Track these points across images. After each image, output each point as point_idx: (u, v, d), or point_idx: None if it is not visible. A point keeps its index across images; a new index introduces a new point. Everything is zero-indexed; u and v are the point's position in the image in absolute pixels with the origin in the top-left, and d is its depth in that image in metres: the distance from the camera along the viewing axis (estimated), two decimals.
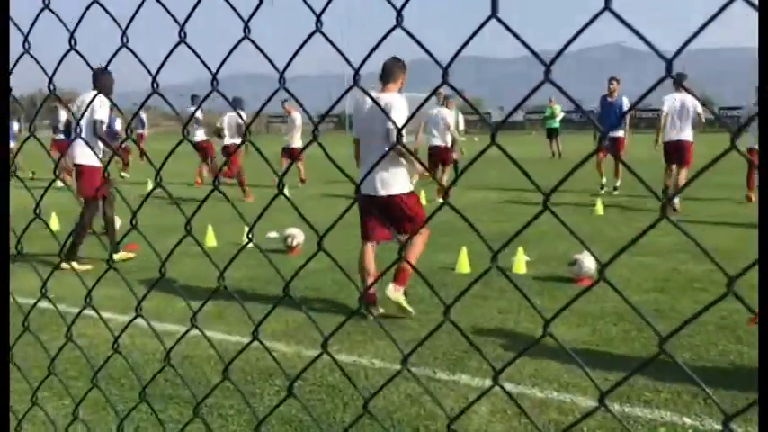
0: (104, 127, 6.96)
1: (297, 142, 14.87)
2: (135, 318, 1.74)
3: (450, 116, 12.58)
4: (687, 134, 10.78)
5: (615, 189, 12.70)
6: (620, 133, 12.54)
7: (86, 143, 1.83)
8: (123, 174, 18.27)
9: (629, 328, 4.89)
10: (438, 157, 12.55)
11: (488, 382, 3.97)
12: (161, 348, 4.35)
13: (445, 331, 4.79)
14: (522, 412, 3.54)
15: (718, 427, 3.37)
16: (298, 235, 7.81)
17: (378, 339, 4.70)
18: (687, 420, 3.44)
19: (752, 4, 0.78)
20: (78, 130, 1.65)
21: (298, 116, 15.07)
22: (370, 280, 5.33)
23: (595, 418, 3.44)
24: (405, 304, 5.24)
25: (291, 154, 14.73)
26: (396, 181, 5.27)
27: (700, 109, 10.83)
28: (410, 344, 4.58)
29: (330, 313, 5.41)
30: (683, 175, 10.67)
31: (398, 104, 5.12)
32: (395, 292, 5.21)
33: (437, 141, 12.49)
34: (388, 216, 5.30)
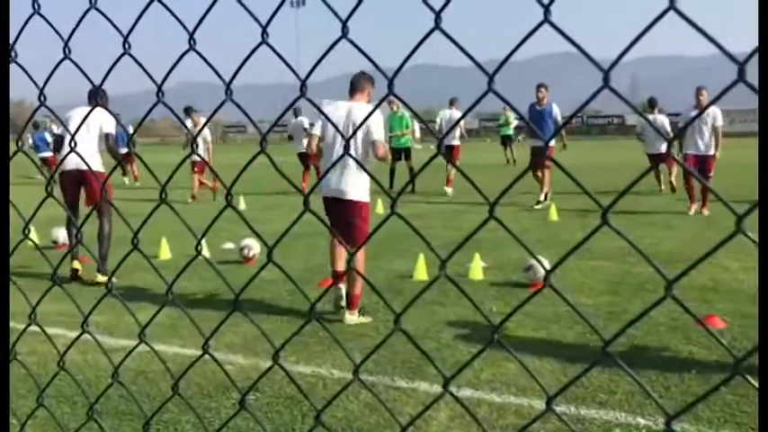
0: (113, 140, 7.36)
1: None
2: (81, 334, 1.69)
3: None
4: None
5: (539, 203, 11.95)
6: (551, 142, 12.25)
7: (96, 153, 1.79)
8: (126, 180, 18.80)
9: (583, 330, 4.97)
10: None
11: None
12: (115, 364, 4.24)
13: (404, 339, 4.80)
14: (479, 419, 3.56)
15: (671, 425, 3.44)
16: (254, 246, 7.74)
17: (336, 349, 4.68)
18: (641, 420, 3.51)
19: (688, 20, 0.81)
20: (73, 143, 1.61)
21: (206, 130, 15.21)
22: (338, 266, 5.66)
23: (552, 422, 3.48)
24: (365, 319, 5.39)
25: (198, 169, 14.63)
26: (358, 188, 5.39)
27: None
28: (368, 351, 4.57)
29: (287, 324, 5.37)
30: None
31: (376, 117, 5.45)
32: (352, 317, 5.41)
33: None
34: (340, 218, 5.41)
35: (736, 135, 44.67)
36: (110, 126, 7.33)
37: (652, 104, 14.28)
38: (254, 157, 1.36)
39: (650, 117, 14.16)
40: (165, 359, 4.44)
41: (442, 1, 0.99)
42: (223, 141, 62.75)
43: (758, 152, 0.87)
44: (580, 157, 23.62)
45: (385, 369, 4.30)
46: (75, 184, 7.16)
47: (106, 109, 6.63)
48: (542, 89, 11.97)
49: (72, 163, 6.78)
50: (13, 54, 1.54)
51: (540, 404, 3.75)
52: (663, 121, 13.82)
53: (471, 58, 0.98)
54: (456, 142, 14.89)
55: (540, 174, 12.01)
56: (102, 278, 6.81)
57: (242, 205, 13.08)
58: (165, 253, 8.22)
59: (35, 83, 1.57)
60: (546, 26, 0.92)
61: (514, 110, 1.03)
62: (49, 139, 18.66)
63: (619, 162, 23.36)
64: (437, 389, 4.00)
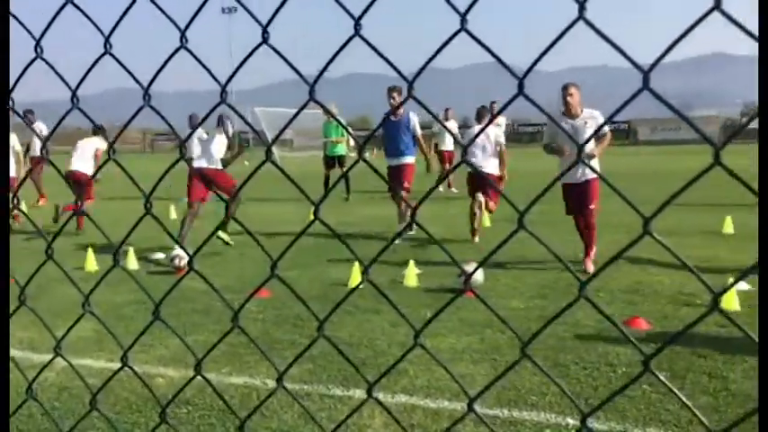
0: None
1: None
2: None
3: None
4: None
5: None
6: (409, 160, 9.71)
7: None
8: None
9: (513, 335, 5.07)
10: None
11: (383, 396, 3.99)
12: (38, 380, 4.05)
13: (339, 347, 4.78)
14: (414, 424, 3.58)
15: (598, 425, 3.54)
16: (184, 255, 7.58)
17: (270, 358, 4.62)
18: (570, 421, 3.60)
19: (601, 33, 0.83)
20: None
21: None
22: None
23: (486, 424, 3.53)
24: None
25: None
26: None
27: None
28: (303, 361, 4.54)
29: (219, 335, 5.27)
30: None
31: None
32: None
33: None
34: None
35: (659, 143, 46.51)
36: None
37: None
38: (175, 163, 1.33)
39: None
40: (92, 374, 4.31)
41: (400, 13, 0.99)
42: (152, 150, 61.36)
43: (758, 152, 0.90)
44: (512, 165, 24.06)
45: (320, 378, 4.27)
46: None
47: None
48: (395, 94, 9.39)
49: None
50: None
51: (459, 406, 3.80)
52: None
53: (393, 65, 0.99)
54: (450, 147, 16.89)
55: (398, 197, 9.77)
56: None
57: (173, 214, 12.80)
58: (92, 264, 7.96)
59: (138, 81, 1.48)
60: (470, 35, 0.94)
61: (433, 115, 1.05)
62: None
63: (546, 170, 23.97)
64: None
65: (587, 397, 3.86)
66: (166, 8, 1.19)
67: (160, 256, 8.30)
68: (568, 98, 7.28)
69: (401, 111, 9.52)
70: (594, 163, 7.13)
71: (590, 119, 7.24)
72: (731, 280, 5.76)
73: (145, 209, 1.28)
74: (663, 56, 0.76)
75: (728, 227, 9.71)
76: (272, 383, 4.25)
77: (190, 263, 1.22)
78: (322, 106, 1.03)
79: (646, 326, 5.13)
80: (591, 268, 7.14)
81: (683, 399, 1.00)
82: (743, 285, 5.99)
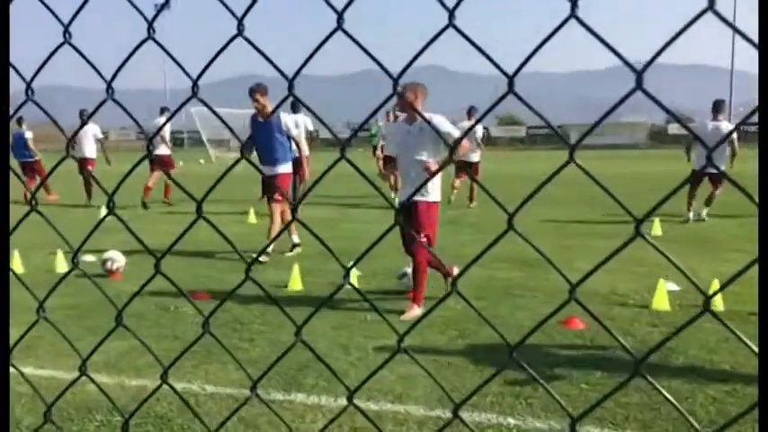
0: None
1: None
2: None
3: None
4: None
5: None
6: (283, 169, 8.44)
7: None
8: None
9: (455, 335, 5.11)
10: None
11: (324, 399, 3.96)
12: None
13: (279, 350, 4.72)
14: (357, 427, 3.56)
15: (539, 424, 3.60)
16: (117, 258, 7.35)
17: (208, 364, 4.52)
18: (511, 421, 3.65)
19: (594, 32, 0.84)
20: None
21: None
22: None
23: (428, 426, 3.54)
24: None
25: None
26: None
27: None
28: (245, 365, 4.46)
29: (155, 340, 5.13)
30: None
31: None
32: None
33: None
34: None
35: (588, 148, 47.86)
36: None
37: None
38: (139, 162, 1.28)
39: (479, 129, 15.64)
40: (20, 381, 4.11)
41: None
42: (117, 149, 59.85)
43: (759, 152, 0.92)
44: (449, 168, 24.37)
45: (260, 382, 4.20)
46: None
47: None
48: (258, 95, 8.13)
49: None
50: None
51: (416, 410, 3.80)
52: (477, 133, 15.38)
53: (293, 65, 0.97)
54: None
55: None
56: None
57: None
58: (18, 267, 7.63)
59: (100, 74, 1.38)
60: (414, 42, 0.93)
61: (368, 118, 1.03)
62: (29, 136, 15.27)
63: (490, 173, 24.34)
64: (314, 399, 3.97)
65: (527, 396, 3.91)
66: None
67: (91, 258, 8.03)
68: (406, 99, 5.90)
69: (269, 109, 8.20)
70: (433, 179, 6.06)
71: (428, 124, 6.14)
72: (661, 281, 5.96)
73: (108, 208, 1.23)
74: (655, 57, 0.76)
75: (657, 229, 10.06)
76: (210, 389, 4.15)
77: (156, 265, 1.17)
78: (300, 102, 1.00)
79: (581, 325, 5.25)
80: (409, 315, 5.64)
81: (672, 401, 1.01)
82: (672, 286, 6.20)
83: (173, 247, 1.28)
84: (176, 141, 64.65)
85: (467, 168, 13.34)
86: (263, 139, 8.28)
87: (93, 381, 1.38)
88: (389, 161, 9.77)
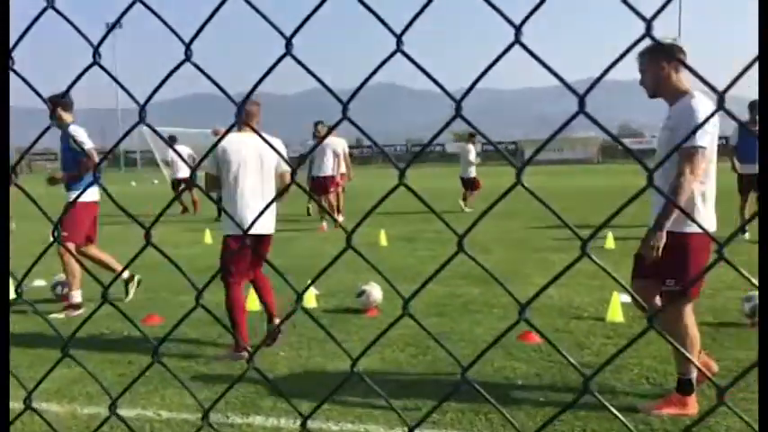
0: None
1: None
2: None
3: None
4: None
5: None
6: (74, 194, 6.49)
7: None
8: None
9: (415, 352, 5.11)
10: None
11: (283, 422, 3.90)
12: None
13: (237, 373, 4.65)
14: None
15: None
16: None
17: (163, 389, 4.42)
18: None
19: (537, 58, 0.85)
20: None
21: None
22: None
23: None
24: None
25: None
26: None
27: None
28: (202, 389, 4.38)
29: (109, 365, 5.01)
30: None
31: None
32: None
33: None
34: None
35: (544, 163, 48.68)
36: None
37: (472, 135, 17.12)
38: (86, 188, 1.24)
39: (469, 145, 16.36)
40: None
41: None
42: (30, 170, 57.96)
43: (759, 152, 0.93)
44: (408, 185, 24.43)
45: (217, 406, 4.12)
46: None
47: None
48: (59, 108, 6.48)
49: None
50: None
51: (376, 429, 3.78)
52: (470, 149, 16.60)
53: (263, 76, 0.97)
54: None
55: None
56: None
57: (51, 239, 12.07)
58: None
59: (42, 97, 1.33)
60: (371, 58, 0.93)
61: (325, 134, 1.03)
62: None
63: (440, 188, 24.50)
64: (273, 422, 3.91)
65: (486, 412, 3.92)
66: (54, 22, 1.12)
67: (41, 283, 7.81)
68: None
69: (66, 122, 6.63)
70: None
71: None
72: (615, 293, 6.07)
73: (52, 235, 1.19)
74: (597, 81, 0.78)
75: (610, 243, 10.25)
76: (166, 414, 4.06)
77: (103, 294, 1.14)
78: (247, 124, 0.98)
79: (538, 339, 5.30)
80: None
81: (617, 414, 1.02)
82: (625, 298, 6.32)
83: (120, 275, 1.25)
84: (129, 161, 63.53)
85: (469, 183, 16.22)
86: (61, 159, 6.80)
87: (38, 413, 1.33)
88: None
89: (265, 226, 5.17)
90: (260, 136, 1.13)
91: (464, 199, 16.40)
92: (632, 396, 4.17)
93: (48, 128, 1.12)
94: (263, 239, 5.26)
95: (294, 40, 0.92)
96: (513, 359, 4.91)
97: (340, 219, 13.62)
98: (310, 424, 3.85)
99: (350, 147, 15.17)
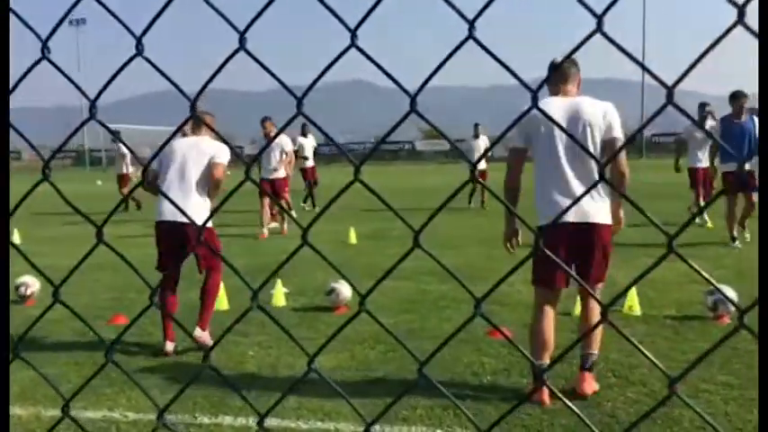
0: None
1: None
2: None
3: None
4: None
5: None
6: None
7: None
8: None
9: (385, 350, 5.11)
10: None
11: (252, 421, 3.88)
12: None
13: (205, 373, 4.61)
14: None
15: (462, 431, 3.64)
16: (31, 283, 7.03)
17: (130, 389, 4.37)
18: None
19: (493, 55, 0.86)
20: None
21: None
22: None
23: None
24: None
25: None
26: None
27: None
28: (167, 389, 4.33)
29: (74, 367, 4.93)
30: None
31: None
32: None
33: None
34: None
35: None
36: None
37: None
38: (37, 184, 1.22)
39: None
40: None
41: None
42: None
43: (759, 152, 0.95)
44: (374, 182, 24.54)
45: (186, 406, 4.08)
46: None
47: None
48: None
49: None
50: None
51: (346, 427, 3.78)
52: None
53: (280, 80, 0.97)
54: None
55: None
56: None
57: (16, 238, 11.85)
58: None
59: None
60: (337, 54, 0.93)
61: (314, 132, 1.03)
62: None
63: (413, 186, 24.58)
64: (241, 421, 3.89)
65: (454, 409, 3.95)
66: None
67: None
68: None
69: None
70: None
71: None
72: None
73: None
74: (542, 84, 0.79)
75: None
76: (132, 415, 4.01)
77: (55, 293, 1.12)
78: (203, 121, 0.98)
79: (507, 334, 5.35)
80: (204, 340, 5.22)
81: (576, 410, 1.03)
82: None
83: (73, 272, 1.24)
84: (94, 160, 62.40)
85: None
86: None
87: None
88: None
89: (179, 214, 5.07)
90: (216, 134, 1.12)
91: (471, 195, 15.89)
92: (600, 389, 4.23)
93: None
94: (183, 228, 5.17)
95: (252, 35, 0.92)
96: (482, 354, 4.94)
97: (284, 225, 12.61)
98: (279, 422, 3.84)
99: (319, 144, 14.77)
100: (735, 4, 0.69)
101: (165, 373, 4.75)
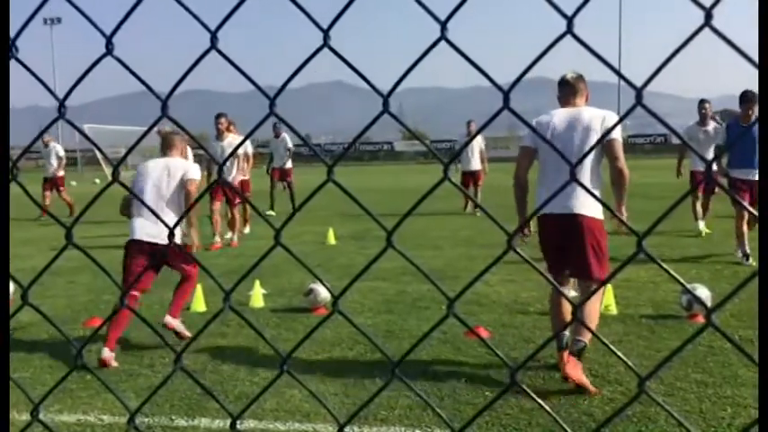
0: None
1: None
2: None
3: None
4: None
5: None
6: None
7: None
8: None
9: (363, 350, 5.11)
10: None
11: (229, 424, 3.85)
12: None
13: (182, 375, 4.57)
14: None
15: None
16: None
17: (105, 392, 4.32)
18: None
19: (466, 57, 0.86)
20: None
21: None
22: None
23: None
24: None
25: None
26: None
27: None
28: (144, 393, 4.29)
29: (49, 370, 4.86)
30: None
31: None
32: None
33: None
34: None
35: (499, 160, 49.23)
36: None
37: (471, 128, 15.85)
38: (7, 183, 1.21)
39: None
40: None
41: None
42: None
43: (759, 152, 0.95)
44: (353, 182, 24.54)
45: (162, 409, 4.05)
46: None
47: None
48: None
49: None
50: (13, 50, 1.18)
51: (324, 428, 3.77)
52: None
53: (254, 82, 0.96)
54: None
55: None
56: None
57: None
58: None
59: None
60: (324, 53, 0.93)
61: (290, 133, 1.03)
62: None
63: (392, 187, 24.60)
64: (219, 424, 3.86)
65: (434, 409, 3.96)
66: None
67: None
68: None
69: None
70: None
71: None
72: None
73: None
74: (516, 81, 0.79)
75: None
76: (108, 418, 3.97)
77: (24, 295, 1.11)
78: (174, 122, 0.97)
79: (486, 334, 5.37)
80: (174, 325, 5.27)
81: (548, 409, 1.04)
82: (571, 292, 6.45)
83: (42, 273, 1.22)
84: (69, 161, 61.68)
85: (471, 177, 14.60)
86: None
87: None
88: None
89: (159, 236, 5.13)
90: (199, 142, 1.11)
91: (466, 202, 14.84)
92: (575, 387, 4.26)
93: None
94: (158, 248, 5.17)
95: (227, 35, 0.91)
96: (461, 355, 4.96)
97: (245, 229, 11.87)
98: (257, 424, 3.82)
99: (297, 145, 14.54)
100: (701, 7, 0.70)
101: (143, 376, 4.71)
